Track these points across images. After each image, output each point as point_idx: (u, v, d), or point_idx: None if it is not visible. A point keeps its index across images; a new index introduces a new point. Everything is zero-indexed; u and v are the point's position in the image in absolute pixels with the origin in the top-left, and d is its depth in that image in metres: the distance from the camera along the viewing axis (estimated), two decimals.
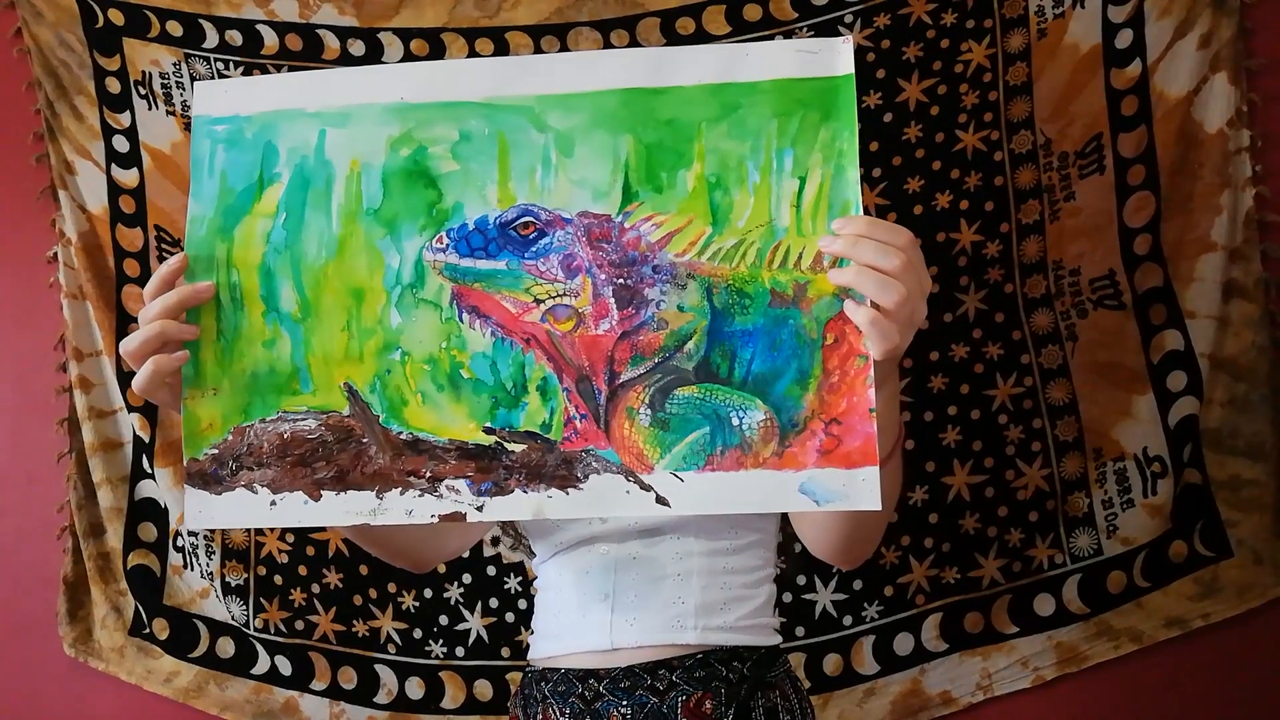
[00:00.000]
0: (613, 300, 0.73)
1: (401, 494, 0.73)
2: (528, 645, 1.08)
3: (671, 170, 0.72)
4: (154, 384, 0.74)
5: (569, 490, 0.72)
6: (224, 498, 0.75)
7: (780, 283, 0.72)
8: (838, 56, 0.72)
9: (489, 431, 0.73)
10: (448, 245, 0.74)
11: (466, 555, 1.72)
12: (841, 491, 0.70)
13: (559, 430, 0.73)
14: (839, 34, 1.63)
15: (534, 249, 0.73)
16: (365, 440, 0.74)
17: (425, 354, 0.74)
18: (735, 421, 0.71)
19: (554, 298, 0.73)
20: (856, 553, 0.96)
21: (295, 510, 0.74)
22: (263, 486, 0.74)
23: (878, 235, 0.69)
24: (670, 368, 0.72)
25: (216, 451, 0.75)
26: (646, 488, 0.72)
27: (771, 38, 1.67)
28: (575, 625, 1.01)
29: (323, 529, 1.74)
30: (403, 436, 0.74)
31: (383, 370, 0.74)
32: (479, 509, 0.73)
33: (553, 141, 0.73)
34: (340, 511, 0.74)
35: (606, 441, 0.72)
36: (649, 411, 0.72)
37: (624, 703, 0.95)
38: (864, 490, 0.70)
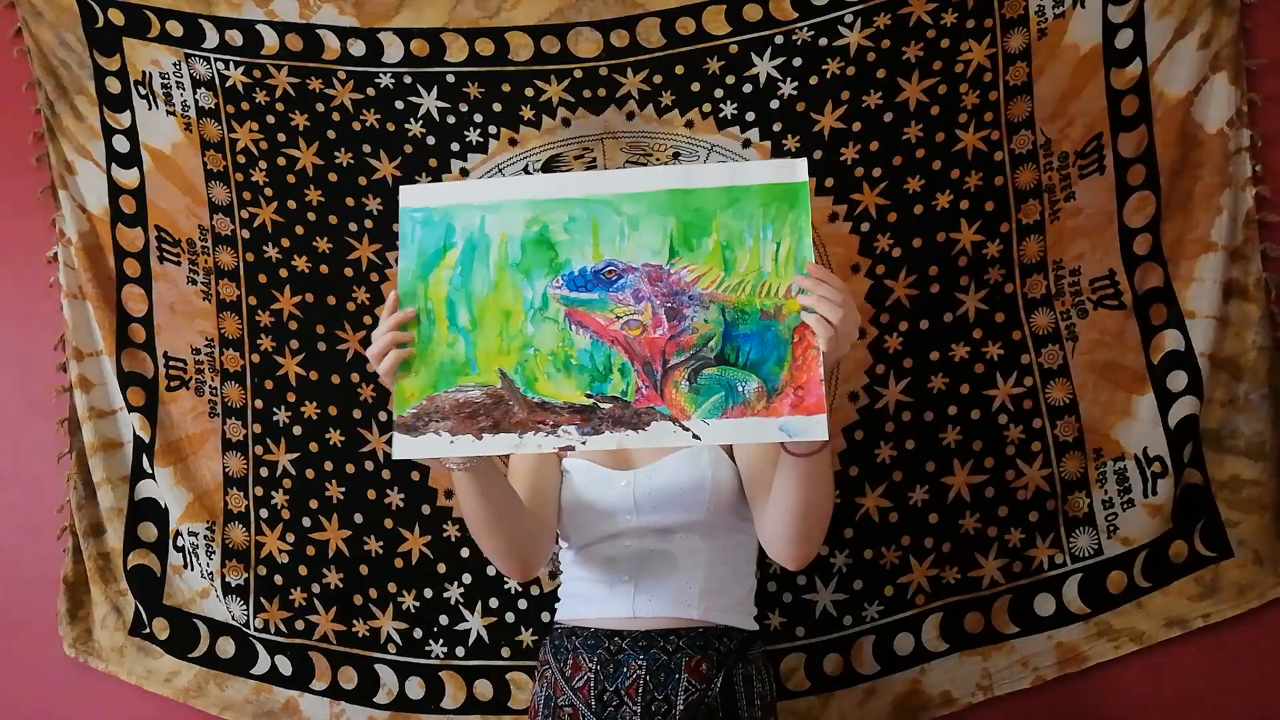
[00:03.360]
0: (664, 316, 1.13)
1: (535, 434, 1.12)
2: (555, 609, 1.42)
3: (699, 238, 1.14)
4: (392, 370, 1.14)
5: (639, 431, 1.11)
6: (419, 439, 1.13)
7: (766, 305, 1.12)
8: (797, 171, 1.14)
9: (589, 396, 1.12)
10: (562, 284, 1.14)
11: (466, 555, 1.73)
12: (804, 428, 1.09)
13: (632, 395, 1.12)
14: (839, 35, 1.65)
15: (615, 286, 1.14)
16: (511, 403, 1.13)
17: (549, 350, 1.13)
18: (739, 389, 1.11)
19: (628, 315, 1.13)
20: (805, 545, 1.26)
21: (466, 445, 1.12)
22: (445, 432, 1.13)
23: (830, 280, 1.10)
24: (700, 357, 1.12)
25: (415, 410, 1.14)
26: (685, 429, 1.10)
27: (772, 39, 1.67)
28: (604, 596, 1.33)
29: (323, 529, 1.75)
30: (534, 400, 1.12)
31: (523, 360, 1.13)
32: (583, 443, 1.11)
33: (626, 221, 1.15)
34: (496, 445, 1.12)
35: (662, 401, 1.11)
36: (687, 383, 1.11)
37: (640, 658, 1.27)
38: (817, 427, 1.09)
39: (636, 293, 1.13)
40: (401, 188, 1.19)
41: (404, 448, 1.14)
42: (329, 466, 1.76)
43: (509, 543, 1.28)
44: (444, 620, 1.73)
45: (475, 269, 1.15)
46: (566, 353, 1.13)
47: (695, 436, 1.10)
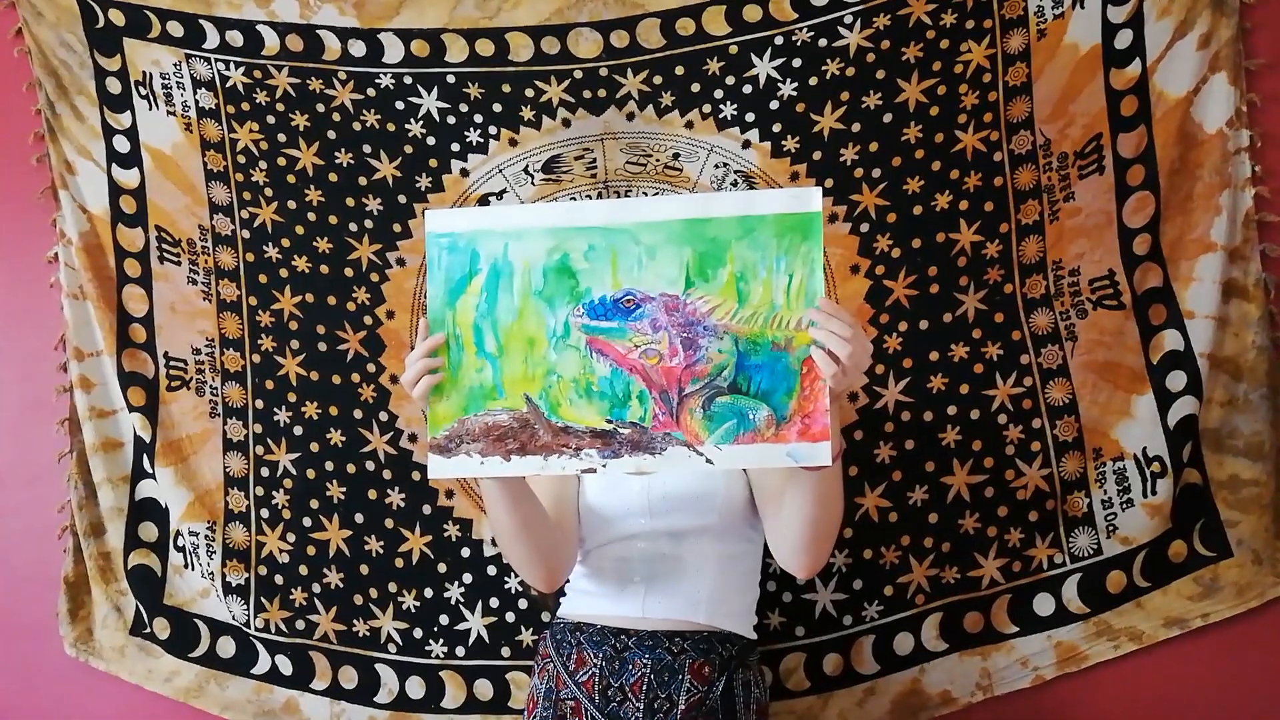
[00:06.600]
0: (680, 346, 1.17)
1: (559, 457, 1.17)
2: (557, 606, 1.46)
3: (714, 269, 1.17)
4: (425, 394, 1.19)
5: (656, 455, 1.16)
6: (451, 460, 1.19)
7: (777, 337, 1.16)
8: (812, 199, 1.16)
9: (609, 421, 1.17)
10: (583, 313, 1.18)
11: (467, 555, 1.73)
12: (809, 454, 1.15)
13: (650, 421, 1.17)
14: (840, 35, 1.65)
15: (633, 315, 1.18)
16: (536, 427, 1.18)
17: (571, 376, 1.18)
18: (750, 416, 1.16)
19: (646, 344, 1.17)
20: (815, 554, 1.30)
21: (496, 466, 1.18)
22: (475, 454, 1.19)
23: (839, 315, 1.13)
24: (713, 386, 1.16)
25: (448, 433, 1.19)
26: (700, 454, 1.16)
27: (771, 39, 1.67)
28: (614, 595, 1.37)
29: (324, 529, 1.75)
30: (558, 424, 1.18)
31: (547, 386, 1.18)
32: (604, 465, 1.17)
33: (644, 251, 1.18)
34: (523, 466, 1.18)
35: (677, 427, 1.16)
36: (701, 411, 1.16)
37: (646, 656, 1.32)
38: (821, 453, 1.15)
39: (654, 322, 1.17)
40: (426, 212, 1.22)
41: (438, 468, 1.19)
42: (330, 466, 1.76)
43: (536, 551, 1.32)
44: (444, 620, 1.73)
45: (500, 296, 1.19)
46: (588, 380, 1.17)
47: (708, 461, 1.16)
